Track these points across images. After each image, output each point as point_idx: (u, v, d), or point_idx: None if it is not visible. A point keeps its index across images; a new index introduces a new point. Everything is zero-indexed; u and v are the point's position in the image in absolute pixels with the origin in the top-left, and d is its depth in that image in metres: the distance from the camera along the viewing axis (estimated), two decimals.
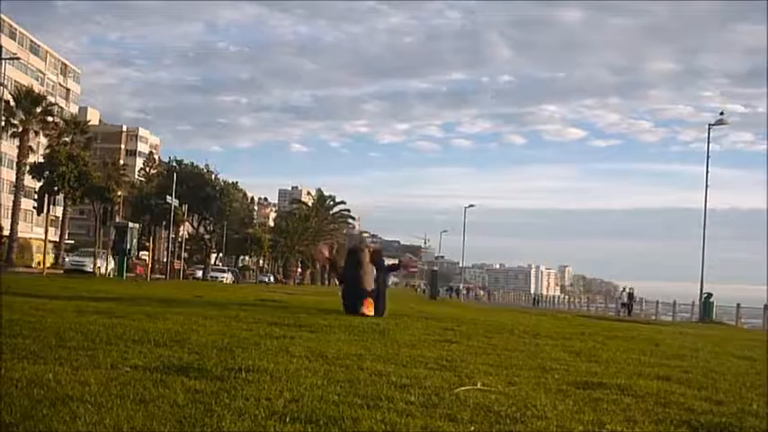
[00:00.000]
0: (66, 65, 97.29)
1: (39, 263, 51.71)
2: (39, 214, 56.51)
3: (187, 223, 72.39)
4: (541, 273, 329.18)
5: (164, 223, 61.06)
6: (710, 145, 36.40)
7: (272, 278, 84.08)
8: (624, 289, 41.42)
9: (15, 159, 62.49)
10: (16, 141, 61.11)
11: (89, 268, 35.63)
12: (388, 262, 11.49)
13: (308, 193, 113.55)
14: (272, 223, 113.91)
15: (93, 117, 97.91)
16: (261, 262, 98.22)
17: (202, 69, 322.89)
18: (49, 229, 39.97)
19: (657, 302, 38.52)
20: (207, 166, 75.44)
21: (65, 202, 64.71)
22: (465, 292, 71.41)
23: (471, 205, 76.07)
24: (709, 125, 37.05)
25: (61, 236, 68.21)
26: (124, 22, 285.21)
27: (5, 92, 61.46)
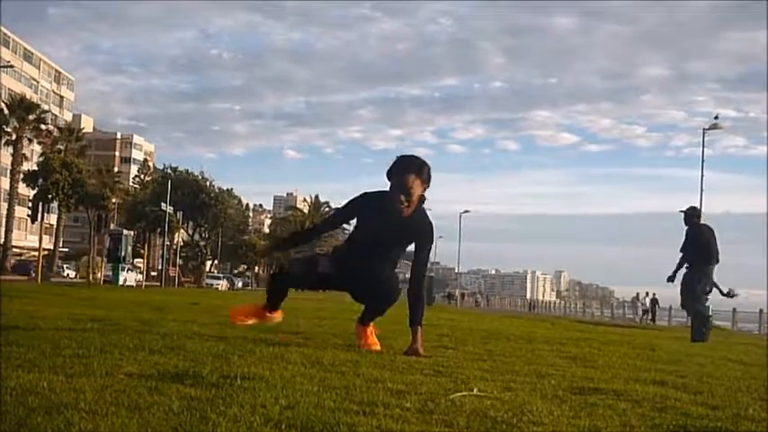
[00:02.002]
0: (59, 72, 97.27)
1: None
2: (33, 222, 56.49)
3: (182, 230, 72.34)
4: (537, 278, 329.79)
5: (158, 230, 60.98)
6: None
7: (240, 283, 77.96)
8: (647, 294, 39.49)
9: (9, 167, 62.37)
10: (10, 149, 60.98)
11: None
12: None
13: (304, 200, 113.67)
14: (267, 230, 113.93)
15: (87, 124, 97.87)
16: (256, 269, 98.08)
17: (195, 76, 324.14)
18: (44, 237, 39.76)
19: (654, 307, 38.59)
20: (202, 173, 75.60)
21: (59, 209, 64.69)
22: (459, 297, 71.47)
23: (466, 211, 76.52)
24: (704, 129, 37.28)
25: (56, 243, 68.06)
26: (117, 30, 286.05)
27: None
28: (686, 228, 10.79)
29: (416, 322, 5.15)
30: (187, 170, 75.94)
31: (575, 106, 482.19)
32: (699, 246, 10.51)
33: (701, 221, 11.07)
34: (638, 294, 41.57)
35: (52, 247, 65.90)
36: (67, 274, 62.72)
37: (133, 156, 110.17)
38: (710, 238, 10.65)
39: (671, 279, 10.98)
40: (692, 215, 10.85)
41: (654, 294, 38.67)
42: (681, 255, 10.73)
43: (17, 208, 61.73)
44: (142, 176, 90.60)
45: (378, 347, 5.28)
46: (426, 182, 5.08)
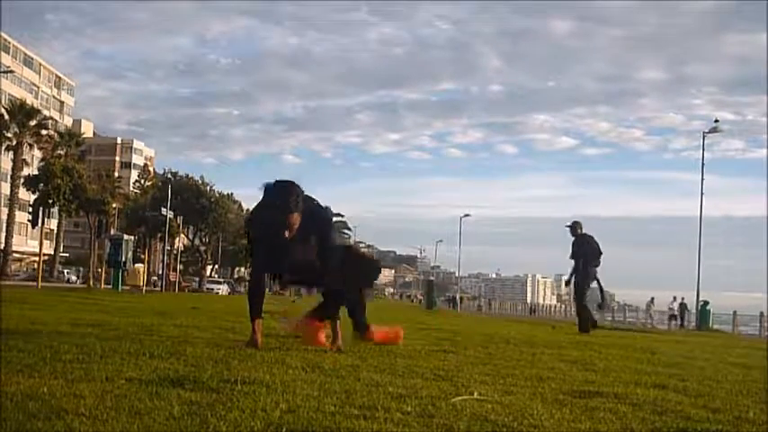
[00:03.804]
0: (60, 77, 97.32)
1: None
2: (33, 227, 56.39)
3: (182, 235, 72.33)
4: (537, 282, 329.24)
5: (159, 235, 60.95)
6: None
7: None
8: (674, 299, 37.62)
9: (10, 172, 62.39)
10: (10, 154, 61.01)
11: None
12: None
13: None
14: None
15: (87, 129, 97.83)
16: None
17: (194, 81, 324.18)
18: (44, 242, 39.76)
19: (654, 311, 38.38)
20: (202, 177, 75.56)
21: (60, 214, 64.70)
22: (459, 301, 71.38)
23: (467, 215, 76.51)
24: (704, 133, 37.28)
25: (56, 249, 68.03)
26: (115, 36, 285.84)
27: None
28: (573, 239, 12.34)
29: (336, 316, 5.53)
30: (187, 175, 76.01)
31: (572, 110, 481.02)
32: (586, 253, 12.20)
33: (583, 231, 12.45)
34: (652, 299, 39.90)
35: (53, 252, 65.87)
36: (68, 279, 62.69)
37: (133, 161, 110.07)
38: (594, 245, 12.33)
39: (567, 283, 12.64)
40: (575, 227, 12.44)
41: (683, 299, 36.48)
42: (573, 261, 12.28)
43: (18, 213, 61.73)
44: (142, 181, 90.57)
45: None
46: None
